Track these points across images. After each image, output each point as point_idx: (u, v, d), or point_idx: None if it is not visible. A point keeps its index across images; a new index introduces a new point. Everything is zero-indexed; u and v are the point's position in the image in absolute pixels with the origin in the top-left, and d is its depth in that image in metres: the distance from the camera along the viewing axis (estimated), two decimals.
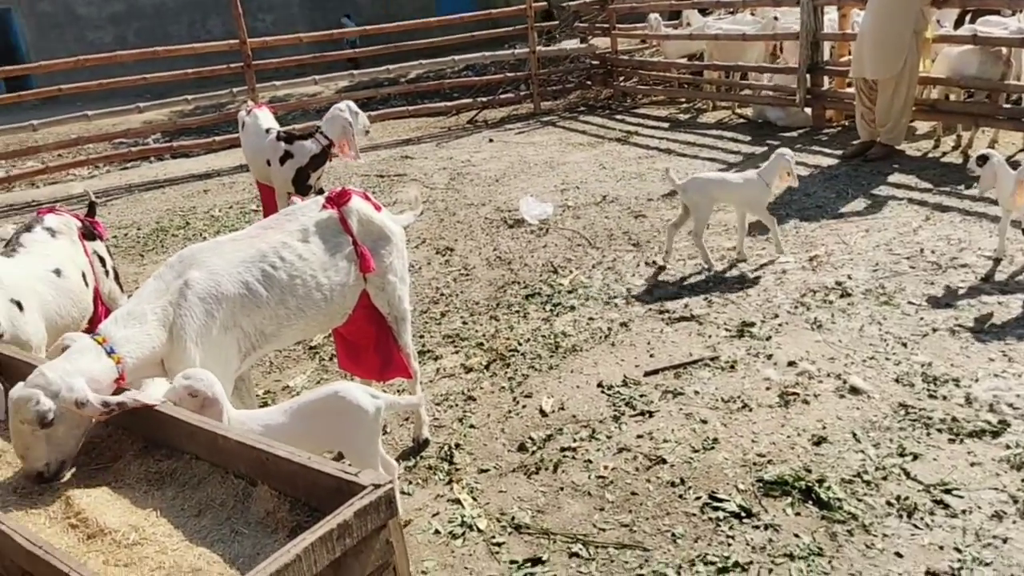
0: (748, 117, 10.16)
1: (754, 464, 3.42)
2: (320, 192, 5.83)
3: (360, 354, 3.82)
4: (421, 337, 4.97)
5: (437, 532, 3.23)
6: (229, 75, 10.74)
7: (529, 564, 3.00)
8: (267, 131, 6.01)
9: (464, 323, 5.17)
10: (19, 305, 3.28)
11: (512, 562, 3.02)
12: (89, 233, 3.97)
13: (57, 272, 3.59)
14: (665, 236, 5.75)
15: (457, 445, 3.81)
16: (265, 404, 4.25)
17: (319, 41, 11.42)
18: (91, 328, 3.49)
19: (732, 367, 4.25)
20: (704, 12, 11.95)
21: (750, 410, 3.84)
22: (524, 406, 4.11)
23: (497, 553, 3.07)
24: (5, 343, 3.10)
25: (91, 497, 2.19)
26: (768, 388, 4.00)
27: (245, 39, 10.13)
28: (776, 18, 9.68)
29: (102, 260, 4.01)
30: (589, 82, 12.70)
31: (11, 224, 4.21)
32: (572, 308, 5.18)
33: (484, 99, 12.24)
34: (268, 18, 21.40)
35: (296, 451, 2.02)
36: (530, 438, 3.80)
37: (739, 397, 3.95)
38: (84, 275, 3.78)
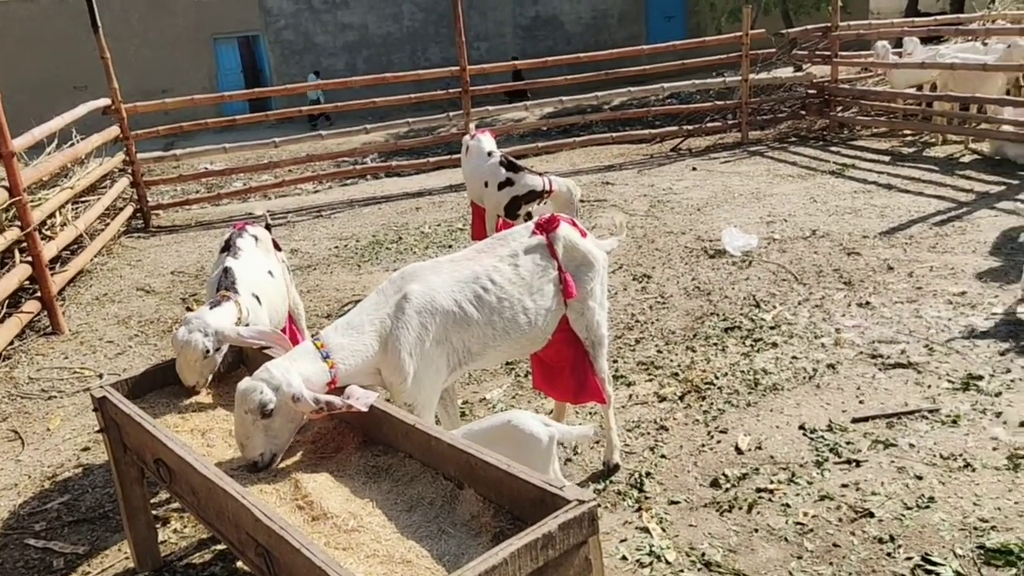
0: (983, 153, 9.38)
1: (975, 529, 3.14)
2: (529, 217, 5.97)
3: (556, 376, 3.87)
4: (615, 362, 4.97)
5: (624, 558, 3.21)
6: (445, 100, 11.34)
7: None
8: (488, 154, 6.19)
9: (659, 351, 5.12)
10: (258, 299, 3.66)
11: None
12: (276, 245, 4.36)
13: (270, 273, 4.00)
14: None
15: (648, 474, 3.78)
16: (463, 414, 4.44)
17: (531, 68, 11.78)
18: None
19: (954, 422, 3.91)
20: (926, 40, 11.18)
21: (973, 470, 3.52)
22: (719, 441, 4.00)
23: None
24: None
25: (316, 483, 2.40)
26: (995, 448, 3.66)
27: (465, 66, 10.63)
28: (1009, 47, 8.96)
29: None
30: (803, 112, 12.21)
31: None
32: (774, 345, 4.98)
33: (689, 127, 12.09)
34: (483, 46, 22.42)
35: (503, 459, 2.10)
36: (724, 475, 3.70)
37: (961, 455, 3.63)
38: (284, 279, 4.22)
